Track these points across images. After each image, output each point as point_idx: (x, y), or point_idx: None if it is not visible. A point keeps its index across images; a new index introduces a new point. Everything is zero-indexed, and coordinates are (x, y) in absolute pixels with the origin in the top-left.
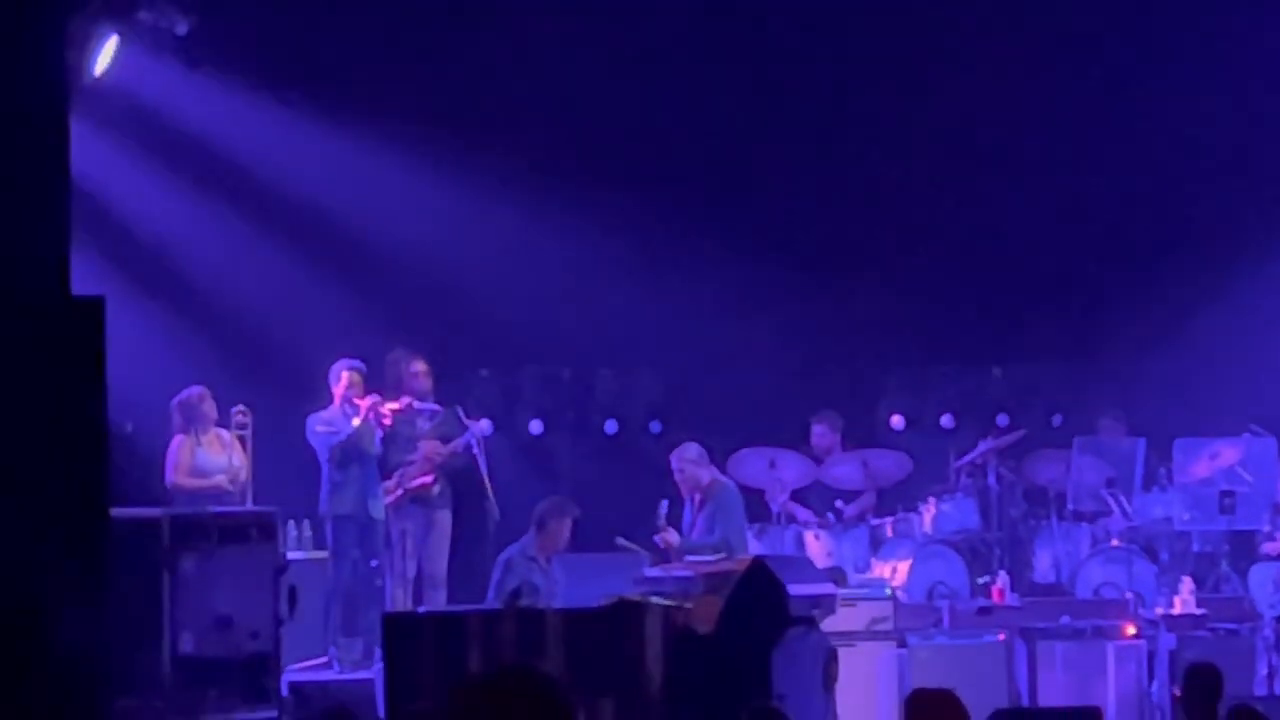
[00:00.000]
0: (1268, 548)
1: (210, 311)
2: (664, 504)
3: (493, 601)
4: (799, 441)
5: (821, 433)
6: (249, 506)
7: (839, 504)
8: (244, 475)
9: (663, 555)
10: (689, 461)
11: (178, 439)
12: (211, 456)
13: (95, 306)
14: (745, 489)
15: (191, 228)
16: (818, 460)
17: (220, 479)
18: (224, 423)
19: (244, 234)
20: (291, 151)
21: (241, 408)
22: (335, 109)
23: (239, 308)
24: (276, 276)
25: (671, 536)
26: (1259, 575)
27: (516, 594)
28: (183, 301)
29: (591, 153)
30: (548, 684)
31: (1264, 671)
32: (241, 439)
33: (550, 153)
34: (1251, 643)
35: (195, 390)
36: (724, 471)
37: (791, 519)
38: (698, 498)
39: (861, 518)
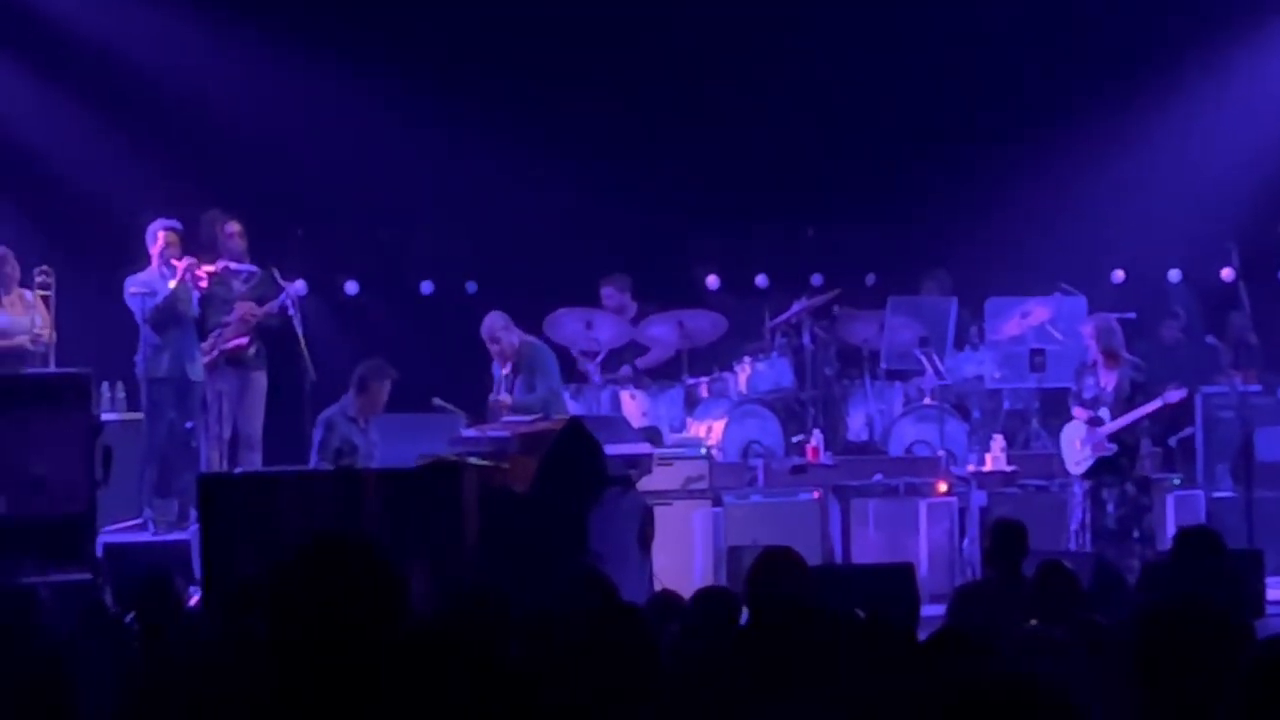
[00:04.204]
0: (1077, 412)
1: (21, 171)
2: (509, 367)
3: (317, 461)
4: None
5: (610, 294)
6: (62, 368)
7: (625, 370)
8: (47, 335)
9: (480, 415)
10: (500, 330)
11: None
12: (14, 317)
13: None
14: (562, 350)
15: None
16: (632, 321)
17: (22, 339)
18: (27, 283)
19: (55, 95)
20: (102, 10)
21: (44, 268)
22: None
23: (50, 167)
24: (89, 136)
25: (505, 399)
26: (1068, 434)
27: (340, 453)
28: None
29: (401, 12)
30: (368, 551)
31: (1074, 527)
32: (45, 299)
33: (364, 13)
34: (1061, 498)
35: None
36: (541, 332)
37: (612, 380)
38: (510, 364)
39: (659, 373)
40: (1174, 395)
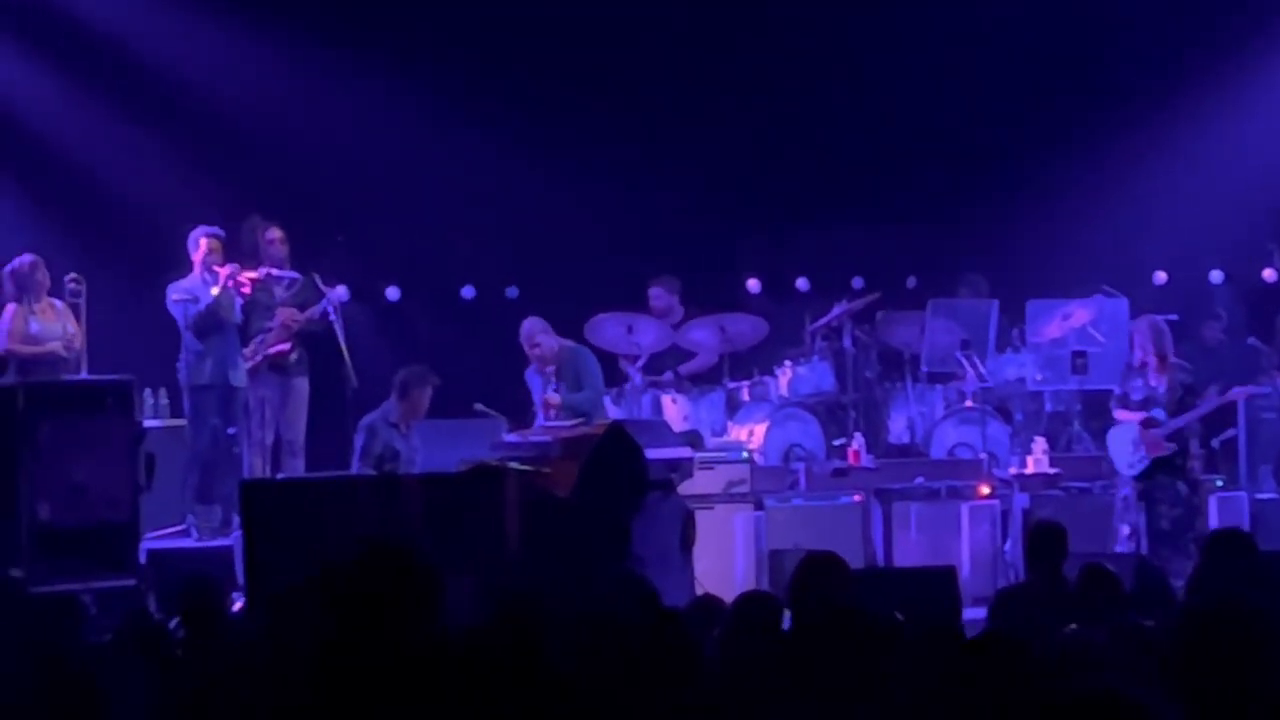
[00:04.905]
0: (1122, 414)
1: (62, 178)
2: (550, 370)
3: (359, 467)
4: None
5: (658, 294)
6: (106, 375)
7: (667, 376)
8: (78, 342)
9: (521, 421)
10: (541, 333)
11: (10, 308)
12: (45, 324)
13: None
14: (604, 354)
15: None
16: (671, 325)
17: (54, 345)
18: (58, 291)
19: (93, 102)
20: (139, 15)
21: (75, 276)
22: None
23: (89, 174)
24: (129, 143)
25: (554, 397)
26: (1118, 435)
27: (382, 459)
28: (32, 171)
29: (441, 17)
30: (411, 558)
31: (1126, 532)
32: (75, 307)
33: (404, 19)
34: (1103, 501)
35: (27, 259)
36: (582, 336)
37: (654, 384)
38: (552, 369)
39: (701, 377)
40: (1239, 392)
